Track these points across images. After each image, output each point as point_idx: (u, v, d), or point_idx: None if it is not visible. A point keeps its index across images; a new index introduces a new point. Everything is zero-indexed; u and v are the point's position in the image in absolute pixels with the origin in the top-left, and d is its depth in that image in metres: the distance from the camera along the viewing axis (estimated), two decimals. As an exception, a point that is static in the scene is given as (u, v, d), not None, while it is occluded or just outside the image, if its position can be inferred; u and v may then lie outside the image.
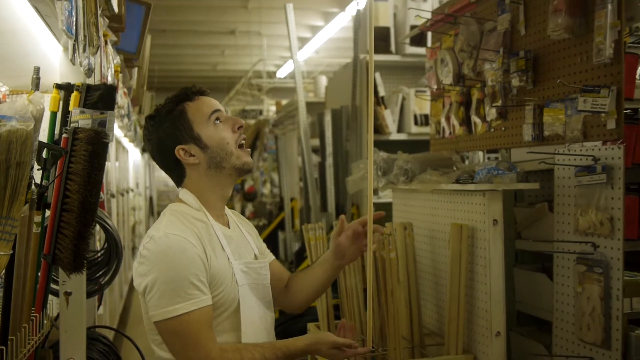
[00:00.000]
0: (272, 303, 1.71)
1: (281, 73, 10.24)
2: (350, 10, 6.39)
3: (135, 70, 3.94)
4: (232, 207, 1.99)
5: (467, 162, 3.56)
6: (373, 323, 2.13)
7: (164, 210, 1.61)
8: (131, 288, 7.56)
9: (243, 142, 1.63)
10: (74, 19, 1.56)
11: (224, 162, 1.58)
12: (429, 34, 3.41)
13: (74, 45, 1.65)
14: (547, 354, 2.07)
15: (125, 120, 4.07)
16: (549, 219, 2.10)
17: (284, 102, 7.53)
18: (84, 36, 1.73)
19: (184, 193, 1.61)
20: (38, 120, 1.49)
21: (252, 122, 8.70)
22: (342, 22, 7.10)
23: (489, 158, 3.36)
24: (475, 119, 2.46)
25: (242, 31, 8.28)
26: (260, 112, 9.74)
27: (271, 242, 5.64)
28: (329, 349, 1.55)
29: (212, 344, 1.44)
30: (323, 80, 6.47)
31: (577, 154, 1.90)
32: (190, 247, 1.46)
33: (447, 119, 2.67)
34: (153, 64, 7.37)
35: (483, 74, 2.34)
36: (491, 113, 2.33)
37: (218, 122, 1.60)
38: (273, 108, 9.17)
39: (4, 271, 1.41)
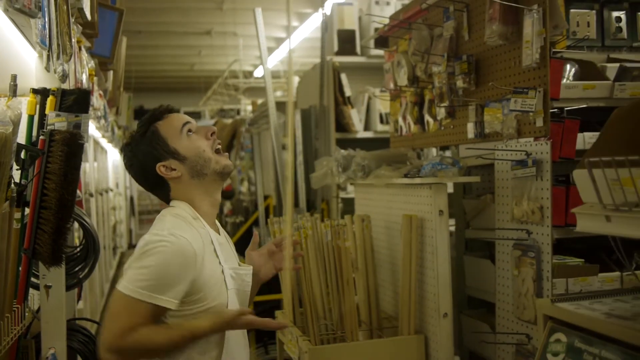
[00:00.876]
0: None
1: (258, 72, 10.36)
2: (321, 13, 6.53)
3: (111, 73, 4.06)
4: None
5: (422, 158, 3.74)
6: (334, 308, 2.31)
7: (162, 212, 1.62)
8: (113, 286, 7.63)
9: (219, 147, 1.69)
10: (47, 31, 1.69)
11: (204, 169, 1.63)
12: (392, 37, 3.59)
13: (48, 54, 1.78)
14: (491, 332, 2.27)
15: (102, 121, 4.18)
16: (492, 209, 2.29)
17: (260, 101, 7.65)
18: (58, 45, 1.86)
19: (177, 203, 1.63)
20: (16, 124, 1.63)
21: (229, 121, 8.81)
22: (316, 22, 7.24)
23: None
24: (427, 117, 2.65)
25: (218, 32, 8.39)
26: (238, 112, 9.85)
27: (247, 238, 5.76)
28: (234, 321, 1.52)
29: (129, 330, 1.42)
30: (295, 80, 6.61)
31: (512, 149, 2.08)
32: (193, 256, 1.50)
33: (404, 117, 2.85)
34: (130, 64, 7.43)
35: (433, 76, 2.53)
36: (441, 112, 2.51)
37: (190, 133, 1.65)
38: (250, 107, 9.29)
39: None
